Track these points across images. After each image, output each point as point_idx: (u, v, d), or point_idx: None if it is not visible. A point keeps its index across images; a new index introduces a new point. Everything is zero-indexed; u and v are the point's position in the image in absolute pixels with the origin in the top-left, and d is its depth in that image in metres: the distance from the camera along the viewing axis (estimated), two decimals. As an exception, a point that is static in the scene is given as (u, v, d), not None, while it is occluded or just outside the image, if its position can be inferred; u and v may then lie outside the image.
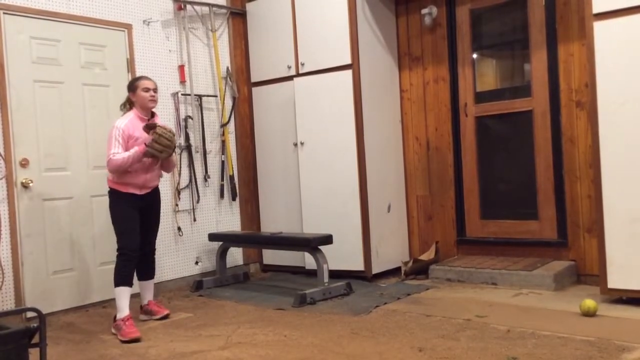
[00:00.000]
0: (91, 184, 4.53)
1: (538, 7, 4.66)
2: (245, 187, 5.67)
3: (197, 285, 4.97)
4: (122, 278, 3.82)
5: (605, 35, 3.73)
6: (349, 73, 4.91)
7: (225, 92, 5.53)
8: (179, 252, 5.11)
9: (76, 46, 4.50)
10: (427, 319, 3.71)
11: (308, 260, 5.14)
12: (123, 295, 3.80)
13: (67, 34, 4.44)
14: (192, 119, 5.22)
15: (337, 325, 3.69)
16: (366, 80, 4.96)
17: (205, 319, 4.03)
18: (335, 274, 4.77)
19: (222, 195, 5.46)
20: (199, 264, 5.26)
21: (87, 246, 4.51)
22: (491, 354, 2.99)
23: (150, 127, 3.77)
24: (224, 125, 5.49)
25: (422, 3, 5.19)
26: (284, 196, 5.48)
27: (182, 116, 5.17)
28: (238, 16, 5.66)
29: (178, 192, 5.10)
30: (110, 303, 4.48)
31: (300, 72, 5.24)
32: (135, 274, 3.98)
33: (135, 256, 3.87)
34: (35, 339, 2.33)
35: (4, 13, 4.10)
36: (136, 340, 3.59)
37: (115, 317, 3.81)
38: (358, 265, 4.92)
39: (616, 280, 3.76)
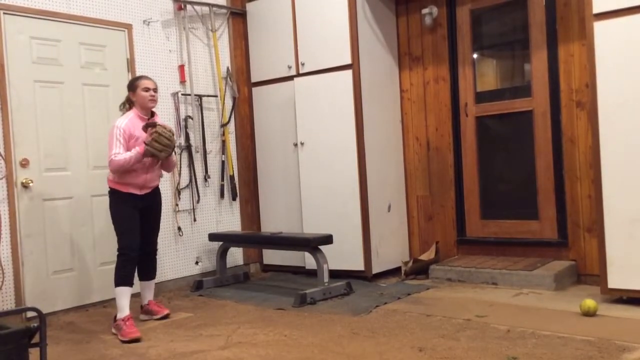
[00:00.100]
0: (91, 184, 4.53)
1: (538, 8, 4.66)
2: (245, 187, 5.67)
3: (198, 285, 4.98)
4: (122, 278, 3.82)
5: (606, 36, 3.73)
6: (349, 73, 4.92)
7: (225, 92, 5.53)
8: (179, 252, 5.11)
9: (76, 46, 4.50)
10: (428, 319, 3.71)
11: (308, 260, 5.14)
12: (123, 295, 3.80)
13: (67, 34, 4.44)
14: (192, 119, 5.23)
15: (337, 325, 3.69)
16: (366, 80, 4.96)
17: (206, 319, 4.03)
18: (335, 274, 4.77)
19: (222, 195, 5.46)
20: (199, 264, 5.26)
21: (87, 246, 4.51)
22: (491, 353, 2.99)
23: (149, 126, 3.77)
24: (224, 125, 5.50)
25: (422, 3, 5.19)
26: (284, 196, 5.48)
27: (182, 116, 5.17)
28: (238, 16, 5.66)
29: (178, 192, 5.11)
30: (111, 303, 4.48)
31: (301, 72, 5.24)
32: (136, 273, 3.98)
33: (135, 256, 3.87)
34: (36, 339, 2.33)
35: (4, 13, 4.11)
36: (136, 340, 3.59)
37: (115, 317, 3.81)
38: (358, 265, 4.93)
39: (616, 280, 3.76)
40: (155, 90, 3.93)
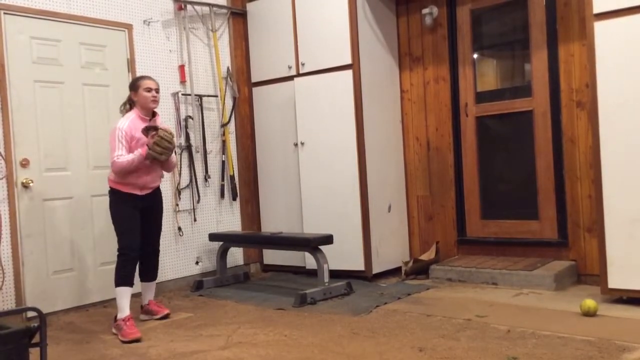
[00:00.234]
0: (91, 184, 4.53)
1: (538, 8, 4.66)
2: (245, 187, 5.67)
3: (198, 285, 4.98)
4: (122, 278, 3.81)
5: (606, 36, 3.73)
6: (349, 73, 4.92)
7: (225, 92, 5.53)
8: (179, 252, 5.11)
9: (76, 46, 4.50)
10: (428, 319, 3.71)
11: (308, 260, 5.14)
12: (123, 296, 3.80)
13: (67, 34, 4.44)
14: (192, 119, 5.23)
15: (337, 325, 3.69)
16: (366, 80, 4.96)
17: (206, 319, 4.03)
18: (335, 274, 4.77)
19: (222, 195, 5.46)
20: (200, 263, 5.26)
21: (88, 246, 4.51)
22: (491, 354, 2.99)
23: (149, 130, 3.76)
24: (224, 125, 5.50)
25: (422, 3, 5.19)
26: (285, 196, 5.48)
27: (183, 116, 5.17)
28: (238, 16, 5.66)
29: (178, 192, 5.11)
30: (111, 303, 4.48)
31: (301, 72, 5.24)
32: (137, 274, 3.98)
33: (135, 256, 3.86)
34: (36, 339, 2.33)
35: (4, 13, 4.11)
36: (137, 340, 3.59)
37: (115, 317, 3.81)
38: (358, 265, 4.93)
39: (616, 280, 3.76)
40: (157, 90, 3.91)
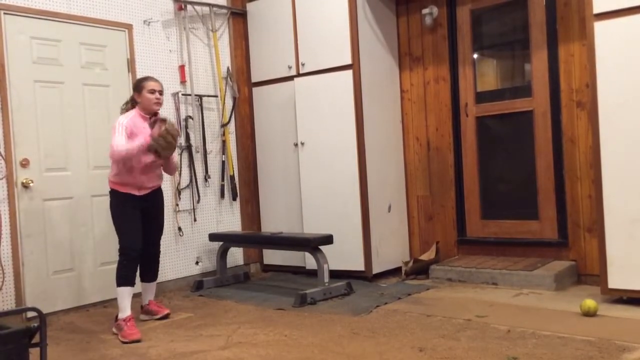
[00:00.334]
0: (91, 184, 4.53)
1: (539, 8, 4.66)
2: (245, 187, 5.67)
3: (198, 285, 4.98)
4: (123, 278, 3.81)
5: (606, 36, 3.73)
6: (349, 73, 4.92)
7: (225, 92, 5.53)
8: (179, 252, 5.11)
9: (76, 46, 4.50)
10: (428, 319, 3.71)
11: (308, 260, 5.14)
12: (125, 295, 3.79)
13: (67, 34, 4.44)
14: (192, 119, 5.23)
15: (337, 325, 3.69)
16: (366, 81, 4.96)
17: (206, 319, 4.03)
18: (335, 274, 4.77)
19: (222, 195, 5.46)
20: (200, 264, 5.26)
21: (88, 246, 4.51)
22: (492, 354, 2.99)
23: (156, 122, 3.75)
24: (224, 126, 5.50)
25: (422, 3, 5.19)
26: (285, 196, 5.48)
27: (183, 116, 5.17)
28: (238, 16, 5.66)
29: (178, 192, 5.11)
30: (111, 303, 4.48)
31: (301, 72, 5.24)
32: (138, 274, 3.97)
33: (136, 256, 3.85)
34: (36, 339, 2.33)
35: (4, 13, 4.11)
36: (137, 341, 3.59)
37: (117, 316, 3.81)
38: (358, 265, 4.93)
39: (617, 280, 3.76)
40: (161, 92, 3.89)
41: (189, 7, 5.25)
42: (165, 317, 4.07)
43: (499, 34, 5.05)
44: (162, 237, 4.13)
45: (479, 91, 5.02)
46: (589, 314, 3.55)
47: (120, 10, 4.77)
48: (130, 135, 3.74)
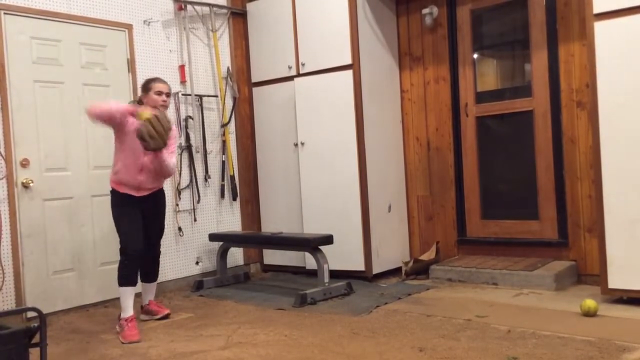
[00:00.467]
0: (91, 184, 4.53)
1: (539, 8, 4.66)
2: (245, 187, 5.67)
3: (198, 285, 4.97)
4: (125, 278, 3.79)
5: (606, 36, 3.73)
6: (349, 73, 4.91)
7: (225, 92, 5.53)
8: (179, 252, 5.11)
9: (76, 46, 4.50)
10: (428, 319, 3.70)
11: (309, 261, 5.14)
12: (126, 295, 3.78)
13: (67, 34, 4.44)
14: (192, 119, 5.23)
15: (337, 325, 3.69)
16: (367, 81, 4.96)
17: (206, 319, 4.03)
18: (335, 274, 4.77)
19: (222, 196, 5.46)
20: (200, 264, 5.26)
21: (88, 246, 4.51)
22: (492, 354, 2.99)
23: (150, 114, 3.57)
24: (224, 126, 5.50)
25: (422, 3, 5.19)
26: (285, 196, 5.48)
27: (183, 116, 5.17)
28: (239, 16, 5.66)
29: (179, 192, 5.11)
30: (111, 303, 4.49)
31: (301, 72, 5.24)
32: (138, 274, 3.96)
33: (137, 256, 3.83)
34: (36, 339, 2.33)
35: (4, 13, 4.11)
36: (136, 342, 3.58)
37: (119, 315, 3.81)
38: (358, 265, 4.92)
39: (617, 280, 3.76)
40: (168, 95, 3.87)
41: (189, 7, 5.25)
42: (165, 317, 4.07)
43: (499, 34, 5.05)
44: (163, 237, 4.12)
45: (479, 91, 5.02)
46: (589, 314, 3.55)
47: (120, 10, 4.77)
48: (126, 114, 3.67)
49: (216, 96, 5.48)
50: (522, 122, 4.78)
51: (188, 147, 5.17)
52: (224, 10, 5.56)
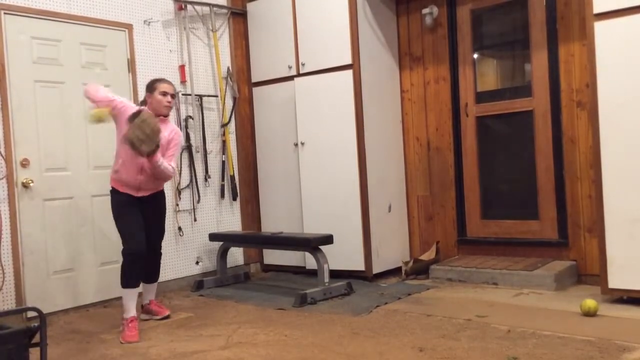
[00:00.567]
0: (91, 184, 4.53)
1: (539, 7, 4.65)
2: (245, 187, 5.67)
3: (198, 285, 4.97)
4: (127, 280, 3.76)
5: (606, 36, 3.73)
6: (349, 73, 4.91)
7: (225, 92, 5.53)
8: (179, 252, 5.11)
9: (77, 46, 4.50)
10: (428, 319, 3.70)
11: (309, 260, 5.14)
12: (129, 297, 3.76)
13: (67, 34, 4.44)
14: (192, 119, 5.23)
15: (337, 325, 3.69)
16: (367, 80, 4.96)
17: (206, 319, 4.03)
18: (335, 274, 4.77)
19: (222, 195, 5.46)
20: (200, 263, 5.26)
21: (88, 246, 4.50)
22: (492, 353, 2.99)
23: (135, 115, 3.46)
24: (224, 126, 5.50)
25: (422, 3, 5.19)
26: (285, 196, 5.48)
27: (183, 116, 5.17)
28: (239, 16, 5.66)
29: (179, 192, 5.11)
30: (111, 303, 4.49)
31: (301, 72, 5.24)
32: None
33: (139, 257, 3.77)
34: (36, 339, 2.33)
35: (4, 13, 4.11)
36: (135, 343, 3.58)
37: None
38: (359, 265, 4.92)
39: (617, 280, 3.76)
40: (172, 96, 3.85)
41: (189, 7, 5.25)
42: (166, 318, 4.06)
43: (499, 33, 5.05)
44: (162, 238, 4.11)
45: (479, 91, 5.02)
46: (589, 314, 3.55)
47: (121, 10, 4.77)
48: (124, 111, 3.65)
49: (216, 96, 5.48)
50: (522, 122, 4.78)
51: (188, 147, 5.17)
52: (224, 10, 5.56)
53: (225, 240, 5.16)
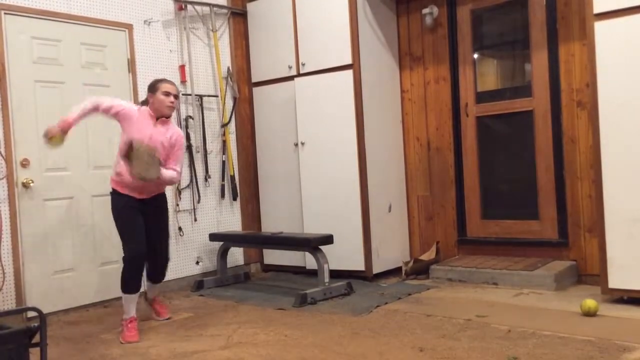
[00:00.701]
0: (91, 184, 4.53)
1: (539, 7, 4.65)
2: (246, 187, 5.67)
3: (198, 285, 4.97)
4: (126, 285, 3.70)
5: (606, 35, 3.73)
6: (349, 73, 4.91)
7: (226, 92, 5.53)
8: (179, 252, 5.11)
9: (77, 46, 4.50)
10: (428, 319, 3.70)
11: (309, 260, 5.14)
12: (130, 301, 3.72)
13: (67, 34, 4.44)
14: (192, 119, 5.23)
15: (337, 325, 3.69)
16: (367, 80, 4.96)
17: (206, 319, 4.03)
18: (335, 274, 4.77)
19: (222, 195, 5.46)
20: (200, 263, 5.26)
21: (88, 246, 4.50)
22: (492, 353, 2.99)
23: (128, 153, 3.50)
24: (224, 126, 5.50)
25: (423, 3, 5.19)
26: (285, 196, 5.47)
27: (183, 116, 5.17)
28: (239, 16, 5.66)
29: (179, 192, 5.11)
30: (111, 303, 4.49)
31: (301, 72, 5.24)
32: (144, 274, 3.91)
33: (140, 262, 3.73)
34: (36, 339, 2.33)
35: (5, 13, 4.11)
36: (135, 343, 3.58)
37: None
38: (359, 265, 4.92)
39: (617, 280, 3.76)
40: (176, 97, 3.79)
41: (189, 7, 5.25)
42: (166, 319, 4.06)
43: (499, 33, 5.05)
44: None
45: (479, 91, 5.02)
46: (589, 314, 3.55)
47: (121, 10, 4.77)
48: (124, 119, 3.68)
49: (216, 96, 5.48)
50: (522, 122, 4.78)
51: (188, 147, 5.17)
52: (224, 10, 5.56)
53: (226, 240, 5.16)
